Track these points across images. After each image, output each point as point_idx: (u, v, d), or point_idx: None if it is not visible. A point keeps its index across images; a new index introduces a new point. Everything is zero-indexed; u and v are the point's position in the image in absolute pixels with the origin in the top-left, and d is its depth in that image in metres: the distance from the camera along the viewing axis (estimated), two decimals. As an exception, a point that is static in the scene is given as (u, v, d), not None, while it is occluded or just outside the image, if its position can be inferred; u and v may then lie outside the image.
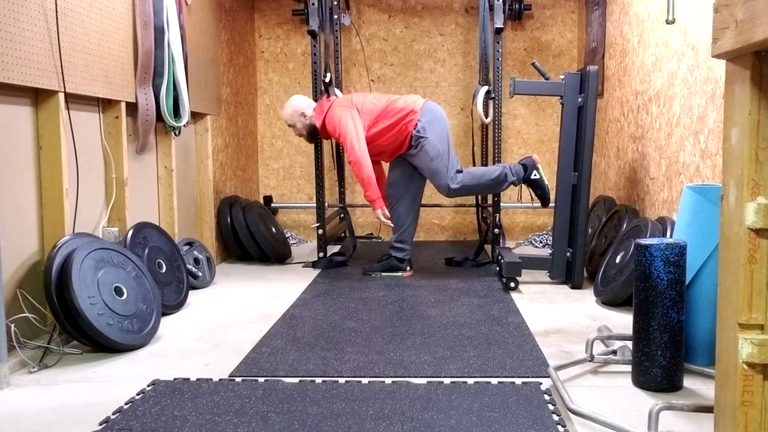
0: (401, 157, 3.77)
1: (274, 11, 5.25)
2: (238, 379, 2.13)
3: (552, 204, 3.71)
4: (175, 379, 2.14)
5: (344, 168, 5.03)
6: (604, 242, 3.64)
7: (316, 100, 4.21)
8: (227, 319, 2.92)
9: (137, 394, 2.01)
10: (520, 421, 1.78)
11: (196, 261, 3.59)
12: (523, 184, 3.72)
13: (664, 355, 2.00)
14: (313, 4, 4.04)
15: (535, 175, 3.66)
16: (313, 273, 3.95)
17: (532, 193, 3.73)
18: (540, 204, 3.75)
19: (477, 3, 4.85)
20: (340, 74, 5.06)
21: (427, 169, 3.69)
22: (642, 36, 3.74)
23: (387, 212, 3.71)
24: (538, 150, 5.24)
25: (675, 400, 1.87)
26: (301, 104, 3.86)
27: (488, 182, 3.69)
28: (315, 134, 3.92)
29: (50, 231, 2.53)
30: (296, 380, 2.12)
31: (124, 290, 2.54)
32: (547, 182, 3.68)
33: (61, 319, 2.34)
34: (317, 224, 4.24)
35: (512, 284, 3.44)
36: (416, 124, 3.63)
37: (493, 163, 4.19)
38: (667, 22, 2.91)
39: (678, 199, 3.10)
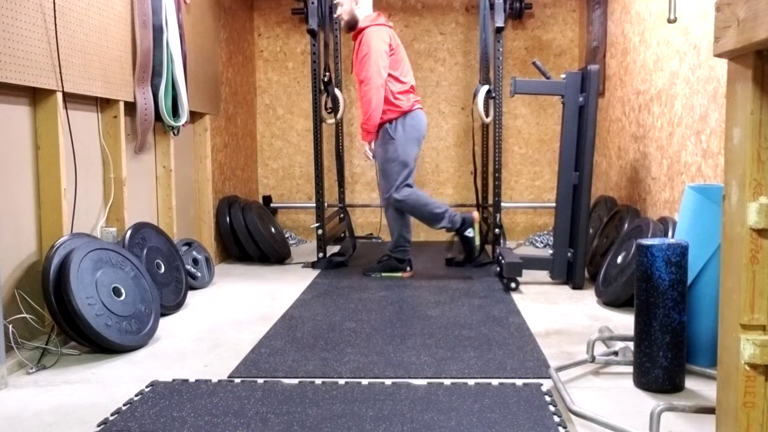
0: None
1: (273, 10, 5.24)
2: (237, 380, 2.12)
3: (553, 203, 3.70)
4: (173, 380, 2.13)
5: (344, 168, 5.02)
6: (606, 242, 3.63)
7: (316, 98, 4.20)
8: (226, 320, 2.91)
9: (136, 396, 2.00)
10: (520, 422, 1.77)
11: (195, 261, 3.58)
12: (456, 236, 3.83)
13: (665, 356, 1.99)
14: (312, 2, 4.03)
15: (469, 233, 3.75)
16: (313, 273, 3.94)
17: (461, 247, 3.85)
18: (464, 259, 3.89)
19: (477, 2, 4.85)
20: (339, 73, 5.05)
21: (381, 167, 3.70)
22: (643, 35, 3.73)
23: (372, 147, 3.70)
24: (538, 149, 5.24)
25: (677, 401, 1.86)
26: None
27: (427, 213, 3.70)
28: (351, 27, 3.73)
29: (48, 231, 2.53)
30: (295, 381, 2.11)
31: (123, 291, 2.53)
32: (477, 244, 3.79)
33: (59, 320, 2.33)
34: (317, 224, 4.23)
35: (513, 285, 3.43)
36: (392, 120, 3.61)
37: (494, 164, 4.18)
38: (669, 21, 2.90)
39: (680, 199, 3.09)
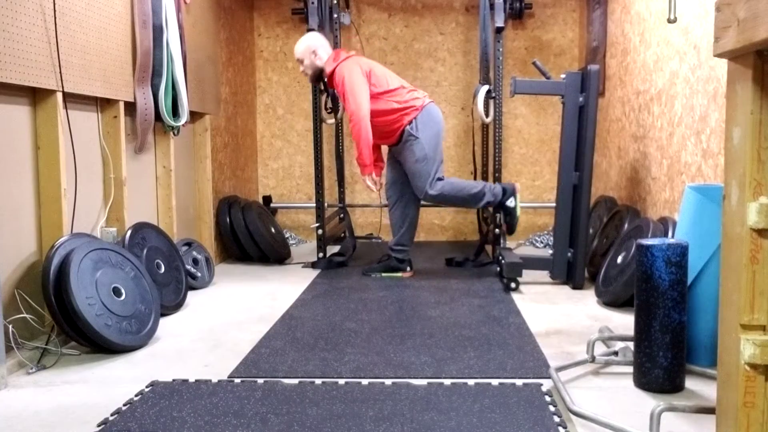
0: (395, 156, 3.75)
1: (273, 10, 5.24)
2: (237, 381, 2.12)
3: (553, 203, 3.70)
4: (173, 380, 2.13)
5: (344, 168, 5.02)
6: (606, 242, 3.63)
7: (316, 98, 4.21)
8: (226, 320, 2.91)
9: (136, 396, 2.00)
10: (520, 422, 1.77)
11: (195, 261, 3.58)
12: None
13: (665, 356, 1.99)
14: (312, 2, 4.03)
15: (510, 202, 3.69)
16: (313, 273, 3.94)
17: (501, 218, 3.78)
18: (506, 230, 3.82)
19: (477, 2, 4.84)
20: (340, 74, 5.05)
21: (410, 169, 3.67)
22: (643, 35, 3.73)
23: (374, 178, 3.68)
24: (538, 149, 5.24)
25: (677, 402, 1.86)
26: (316, 42, 3.73)
27: (466, 196, 3.68)
28: (319, 78, 3.79)
29: (48, 231, 2.53)
30: (296, 381, 2.11)
31: (123, 291, 2.53)
32: (518, 214, 3.72)
33: (59, 320, 2.33)
34: (317, 224, 4.23)
35: (513, 285, 3.43)
36: (412, 121, 3.61)
37: (494, 164, 4.18)
38: (669, 21, 2.90)
39: (680, 199, 3.09)
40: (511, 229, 3.76)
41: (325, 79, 3.75)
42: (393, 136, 3.67)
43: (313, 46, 3.70)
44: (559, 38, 5.17)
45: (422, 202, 3.90)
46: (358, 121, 3.53)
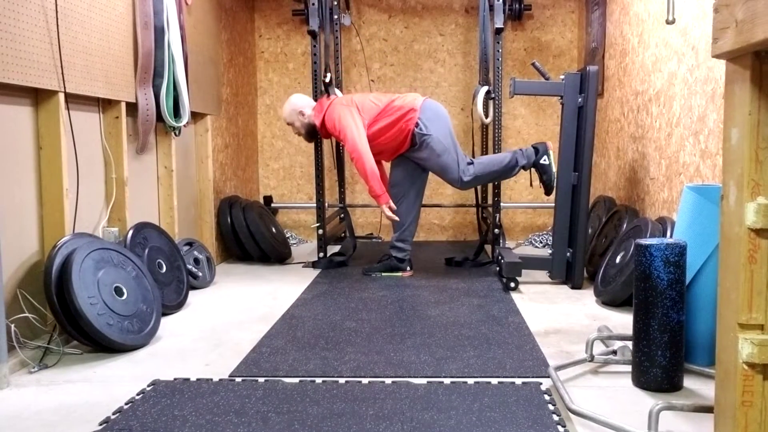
0: (403, 156, 3.77)
1: (274, 11, 5.25)
2: (238, 379, 2.13)
3: (552, 203, 3.71)
4: (175, 379, 2.14)
5: (344, 168, 5.03)
6: (604, 242, 3.64)
7: (316, 100, 4.22)
8: (227, 319, 2.92)
9: (137, 394, 2.01)
10: (520, 421, 1.78)
11: (196, 261, 3.59)
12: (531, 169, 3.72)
13: (664, 355, 2.00)
14: (313, 4, 4.04)
15: (545, 160, 3.66)
16: (313, 273, 3.95)
17: (538, 177, 3.72)
18: (543, 191, 3.73)
19: (477, 3, 4.86)
20: (340, 74, 5.06)
21: (437, 165, 3.69)
22: (642, 36, 3.74)
23: (393, 206, 3.69)
24: (538, 150, 5.24)
25: (675, 400, 1.87)
26: (300, 102, 3.86)
27: (500, 169, 3.71)
28: (314, 133, 3.92)
29: (50, 231, 2.53)
30: (296, 380, 2.12)
31: (124, 290, 2.54)
32: (555, 171, 3.64)
33: (61, 319, 2.34)
34: (317, 224, 4.24)
35: (512, 284, 3.44)
36: (417, 122, 3.63)
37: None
38: (667, 22, 2.91)
39: (678, 199, 3.10)
40: (548, 188, 3.68)
41: (320, 132, 3.84)
42: (404, 145, 3.70)
43: (298, 107, 3.83)
44: (558, 39, 5.19)
45: (423, 201, 3.92)
46: (359, 158, 3.58)
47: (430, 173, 3.83)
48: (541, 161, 3.66)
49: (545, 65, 4.79)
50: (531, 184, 3.93)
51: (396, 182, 3.82)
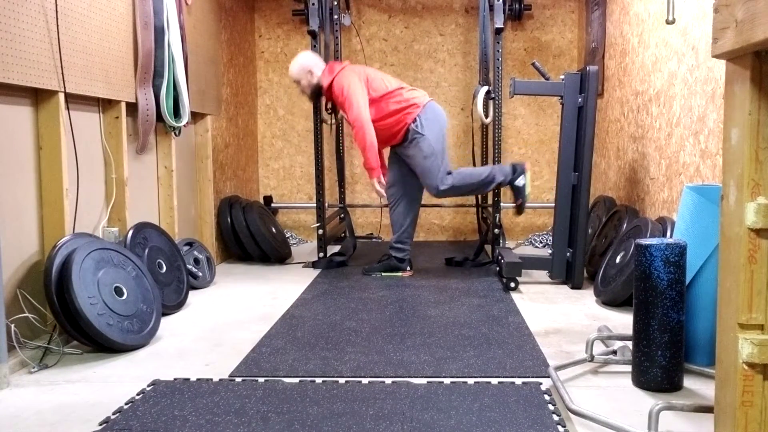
0: (398, 155, 3.77)
1: (274, 11, 5.25)
2: (238, 379, 2.13)
3: (552, 203, 3.71)
4: (175, 379, 2.14)
5: (344, 168, 5.03)
6: (604, 242, 3.64)
7: (316, 100, 4.21)
8: (227, 319, 2.92)
9: (137, 394, 2.01)
10: (520, 421, 1.78)
11: (196, 261, 3.59)
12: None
13: (664, 355, 2.00)
14: (313, 4, 4.04)
15: (520, 181, 3.69)
16: (313, 273, 3.95)
17: (513, 197, 3.78)
18: (515, 211, 3.81)
19: (477, 3, 4.86)
20: (340, 74, 5.06)
21: (419, 166, 3.68)
22: (642, 36, 3.74)
23: (383, 181, 3.70)
24: (538, 150, 5.25)
25: (675, 400, 1.87)
26: (310, 61, 3.80)
27: (477, 183, 3.71)
28: (318, 94, 3.86)
29: (50, 231, 2.53)
30: (296, 380, 2.12)
31: (124, 290, 2.54)
32: (528, 193, 3.72)
33: (61, 319, 2.34)
34: (317, 224, 4.24)
35: (512, 284, 3.44)
36: (415, 119, 3.63)
37: (493, 164, 4.19)
38: (668, 23, 2.91)
39: (678, 199, 3.10)
40: (519, 209, 3.76)
41: (324, 94, 3.81)
42: (397, 136, 3.69)
43: (307, 66, 3.78)
44: (558, 39, 5.18)
45: (422, 201, 3.92)
46: (361, 127, 3.56)
47: None
48: (516, 182, 3.69)
49: (545, 65, 4.79)
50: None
51: (393, 182, 3.82)
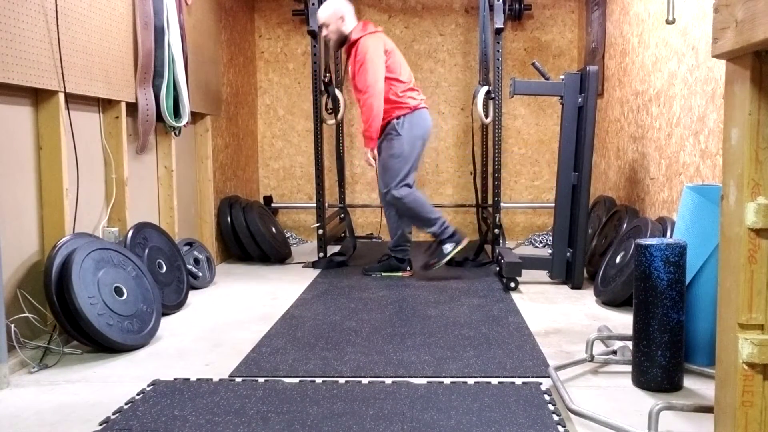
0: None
1: (274, 11, 5.25)
2: (238, 380, 2.13)
3: (552, 203, 3.70)
4: (175, 379, 2.14)
5: (344, 168, 5.03)
6: (604, 242, 3.64)
7: (317, 99, 4.22)
8: (227, 319, 2.92)
9: (137, 395, 2.01)
10: (520, 421, 1.78)
11: (196, 261, 3.59)
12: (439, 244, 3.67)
13: (664, 355, 2.00)
14: (313, 4, 4.04)
15: (448, 247, 3.60)
16: (313, 273, 3.95)
17: (430, 250, 3.70)
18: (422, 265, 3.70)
19: (477, 3, 4.85)
20: (340, 74, 5.06)
21: (383, 161, 3.65)
22: (642, 36, 3.74)
23: (375, 154, 3.66)
24: (538, 150, 5.25)
25: (675, 400, 1.87)
26: (344, 8, 3.70)
27: (422, 214, 3.63)
28: (341, 44, 3.76)
29: (50, 231, 2.53)
30: (296, 380, 2.11)
31: (124, 290, 2.54)
32: (446, 261, 3.59)
33: (61, 319, 2.34)
34: (317, 224, 4.24)
35: (512, 284, 3.44)
36: (400, 117, 3.61)
37: (494, 164, 4.19)
38: (668, 22, 2.91)
39: (678, 199, 3.10)
40: (427, 267, 3.66)
41: (346, 49, 3.70)
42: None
43: (340, 12, 3.67)
44: (558, 39, 5.18)
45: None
46: (373, 95, 3.51)
47: (416, 175, 3.77)
48: (446, 243, 3.60)
49: (545, 65, 4.79)
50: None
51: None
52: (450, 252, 3.61)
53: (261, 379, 2.13)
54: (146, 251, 2.97)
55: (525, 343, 2.50)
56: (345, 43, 3.73)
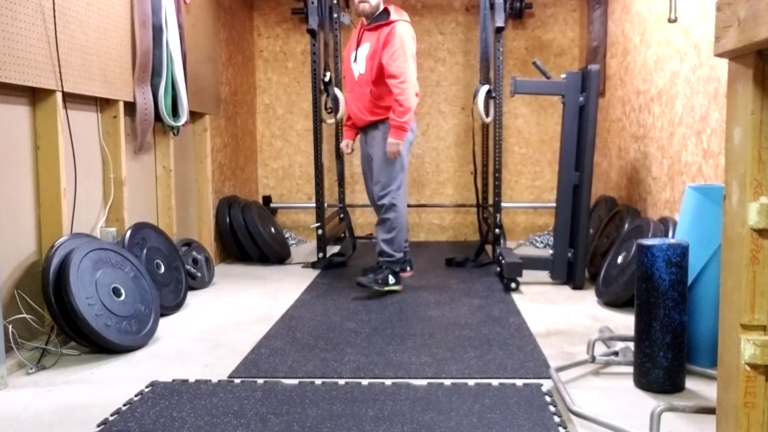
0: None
1: (273, 10, 5.24)
2: (237, 381, 2.12)
3: (554, 203, 3.68)
4: (173, 380, 2.13)
5: (344, 168, 5.02)
6: (606, 242, 3.63)
7: (316, 98, 4.20)
8: (226, 320, 2.91)
9: (135, 396, 2.00)
10: (521, 422, 1.77)
11: (195, 261, 3.58)
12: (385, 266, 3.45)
13: (666, 356, 1.99)
14: (312, 2, 4.03)
15: (391, 281, 3.38)
16: (313, 273, 3.94)
17: (373, 270, 3.47)
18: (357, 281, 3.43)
19: (477, 2, 4.84)
20: (339, 73, 5.05)
21: (380, 162, 3.43)
22: (644, 35, 3.73)
23: (350, 143, 3.65)
24: (539, 149, 5.23)
25: (677, 402, 1.86)
26: None
27: (394, 232, 3.43)
28: (370, 17, 3.47)
29: (48, 231, 2.52)
30: (295, 381, 2.10)
31: (122, 291, 2.52)
32: (382, 290, 3.34)
33: (59, 320, 2.33)
34: (317, 224, 4.23)
35: (513, 285, 3.43)
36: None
37: (494, 164, 4.17)
38: (669, 21, 2.89)
39: (680, 199, 3.09)
40: (360, 283, 3.33)
41: (374, 26, 3.44)
42: (371, 114, 3.46)
43: None
44: (559, 38, 5.17)
45: (407, 204, 3.70)
46: (409, 86, 3.31)
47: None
48: (390, 275, 3.38)
49: (546, 64, 4.77)
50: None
51: (369, 191, 3.66)
52: (390, 286, 3.39)
53: (260, 381, 2.12)
54: (144, 251, 2.96)
55: (526, 344, 2.49)
56: (374, 17, 3.46)
